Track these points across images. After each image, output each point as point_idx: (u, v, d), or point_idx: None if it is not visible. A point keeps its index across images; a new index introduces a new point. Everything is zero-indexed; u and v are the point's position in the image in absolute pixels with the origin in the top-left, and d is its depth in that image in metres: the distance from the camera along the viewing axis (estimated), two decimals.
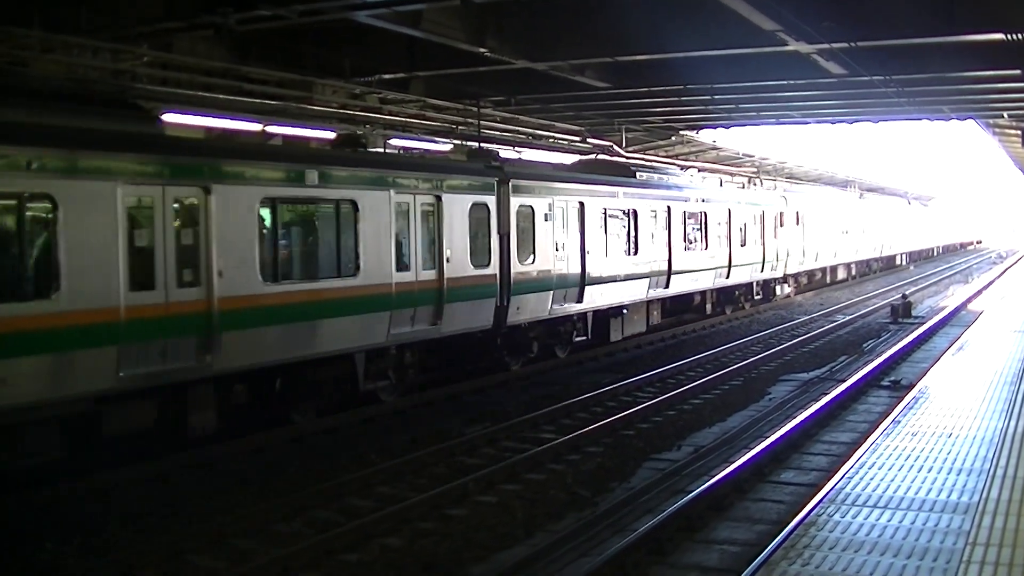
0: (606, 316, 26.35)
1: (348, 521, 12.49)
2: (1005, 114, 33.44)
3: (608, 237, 25.71)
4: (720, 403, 19.96)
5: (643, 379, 22.15)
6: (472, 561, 11.21)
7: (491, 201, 21.22)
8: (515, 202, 21.88)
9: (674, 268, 29.43)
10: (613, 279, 25.73)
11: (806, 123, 36.35)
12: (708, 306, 34.52)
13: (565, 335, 24.93)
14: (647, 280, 27.86)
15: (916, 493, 10.13)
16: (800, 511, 11.56)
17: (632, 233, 27.09)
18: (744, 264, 35.82)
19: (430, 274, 19.32)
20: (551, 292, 23.02)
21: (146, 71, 20.11)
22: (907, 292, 42.99)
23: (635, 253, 27.16)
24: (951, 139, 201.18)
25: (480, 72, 23.13)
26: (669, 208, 29.39)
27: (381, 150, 24.54)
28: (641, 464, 15.37)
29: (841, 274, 54.51)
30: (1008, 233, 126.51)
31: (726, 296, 36.39)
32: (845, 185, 66.71)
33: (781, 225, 40.19)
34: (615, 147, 35.33)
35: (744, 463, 14.37)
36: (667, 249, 29.14)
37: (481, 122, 28.18)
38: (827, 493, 10.48)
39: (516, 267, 21.63)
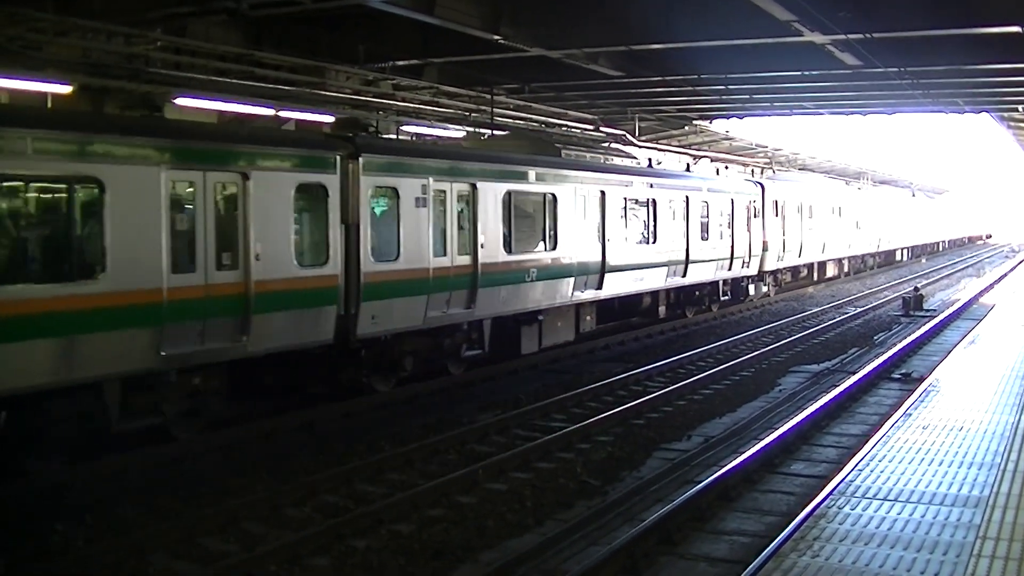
0: (516, 323, 21.91)
1: (358, 507, 12.52)
2: (1020, 107, 33.34)
3: (514, 228, 21.29)
4: (730, 394, 19.95)
5: (653, 368, 22.15)
6: (482, 548, 11.23)
7: (330, 182, 16.76)
8: (369, 183, 17.48)
9: (610, 264, 24.83)
10: (521, 279, 21.40)
11: (820, 114, 36.27)
12: (661, 308, 29.53)
13: (451, 348, 20.32)
14: (571, 280, 23.31)
15: (926, 486, 10.14)
16: (810, 503, 11.59)
17: (550, 223, 22.65)
18: (706, 260, 30.97)
19: (230, 276, 14.92)
20: (426, 296, 18.56)
21: (159, 55, 20.14)
22: (919, 285, 42.90)
23: (554, 247, 22.64)
24: (964, 132, 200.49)
25: (494, 59, 23.11)
26: (604, 193, 24.68)
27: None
28: (651, 454, 15.37)
29: (831, 271, 49.93)
30: (1019, 227, 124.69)
31: (686, 297, 31.66)
32: (859, 176, 66.50)
33: (755, 216, 35.32)
34: (628, 136, 35.27)
35: (754, 454, 14.35)
36: (600, 242, 24.52)
37: (494, 109, 28.15)
38: (837, 485, 10.50)
39: (370, 266, 17.28)
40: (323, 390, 18.17)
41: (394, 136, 26.14)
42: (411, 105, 26.86)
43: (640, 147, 35.76)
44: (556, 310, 23.27)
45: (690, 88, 28.24)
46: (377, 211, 18.12)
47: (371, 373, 18.63)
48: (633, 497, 13.03)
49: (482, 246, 20.03)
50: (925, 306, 36.12)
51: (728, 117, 37.93)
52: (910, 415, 13.64)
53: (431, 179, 18.86)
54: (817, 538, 8.55)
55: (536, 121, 32.61)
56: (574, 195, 23.53)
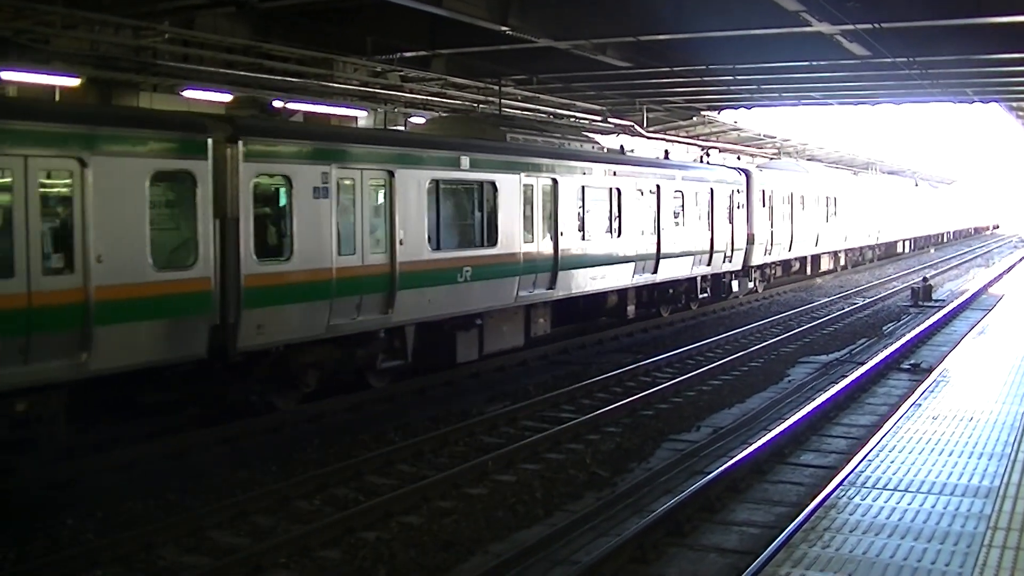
0: (450, 328, 19.49)
1: (368, 499, 12.54)
2: None
3: (443, 221, 18.98)
4: (739, 384, 19.95)
5: (662, 359, 22.15)
6: (491, 540, 11.25)
7: (200, 169, 14.23)
8: (252, 171, 15.00)
9: (564, 261, 22.29)
10: (452, 279, 18.93)
11: (828, 104, 36.08)
12: (630, 308, 26.85)
13: (366, 359, 17.84)
14: (516, 279, 20.76)
15: (936, 477, 10.13)
16: (820, 493, 11.58)
17: (489, 215, 20.28)
18: (680, 254, 28.40)
19: (64, 283, 12.56)
20: (328, 301, 16.20)
21: (167, 48, 20.16)
22: (928, 275, 42.82)
23: (493, 242, 20.20)
24: (972, 123, 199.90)
25: (502, 50, 23.04)
26: (556, 182, 22.21)
27: None
28: (660, 444, 15.39)
29: (826, 264, 46.97)
30: None
31: (660, 294, 29.12)
32: (866, 167, 66.37)
33: (739, 206, 32.93)
34: (636, 127, 35.21)
35: (763, 445, 14.36)
36: (552, 236, 22.03)
37: (502, 101, 28.12)
38: (847, 476, 10.50)
39: (252, 267, 14.85)
40: (209, 410, 15.94)
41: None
42: (419, 96, 26.83)
43: (649, 138, 35.67)
44: (500, 313, 20.68)
45: (698, 79, 28.14)
46: (263, 203, 15.60)
47: (268, 390, 16.42)
48: (642, 488, 13.04)
49: (401, 243, 17.55)
50: (934, 296, 36.06)
51: (736, 107, 37.78)
52: (919, 405, 13.62)
53: (334, 166, 16.36)
54: (827, 529, 8.55)
55: (545, 112, 32.57)
56: (519, 184, 20.99)
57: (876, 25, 18.88)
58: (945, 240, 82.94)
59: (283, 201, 15.86)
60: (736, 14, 19.87)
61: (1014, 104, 36.77)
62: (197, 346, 14.22)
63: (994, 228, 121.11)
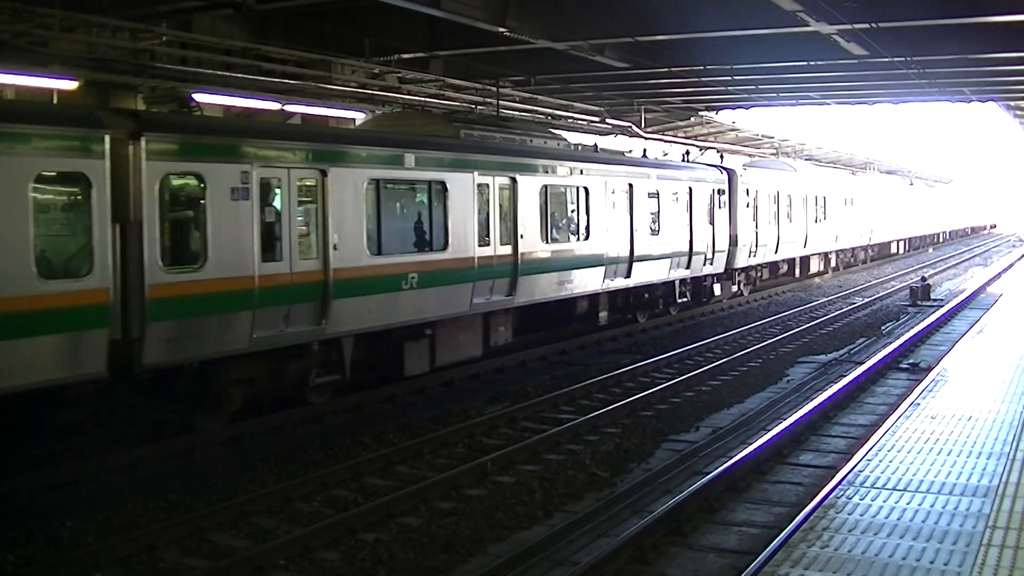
0: (399, 339, 18.20)
1: (368, 500, 12.55)
2: None
3: (385, 224, 17.70)
4: (738, 384, 19.96)
5: (661, 360, 22.16)
6: (491, 541, 11.27)
7: (95, 169, 12.91)
8: (158, 170, 13.65)
9: (525, 265, 20.92)
10: (396, 286, 17.58)
11: (826, 104, 36.13)
12: (602, 314, 25.48)
13: (298, 374, 16.54)
14: (471, 285, 19.47)
15: (935, 476, 10.15)
16: (819, 493, 11.60)
17: (438, 217, 18.93)
18: (656, 257, 26.98)
19: None
20: (251, 312, 14.85)
21: (165, 50, 20.16)
22: (926, 275, 42.84)
23: (444, 246, 18.85)
24: (971, 122, 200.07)
25: (500, 52, 23.06)
26: (515, 181, 20.79)
27: None
28: (659, 445, 15.40)
29: (815, 266, 45.30)
30: None
31: (636, 299, 27.66)
32: (865, 166, 66.38)
33: (721, 206, 31.42)
34: (634, 128, 35.24)
35: (762, 445, 14.36)
36: (511, 239, 20.65)
37: (500, 102, 28.13)
38: (846, 475, 10.51)
39: (158, 276, 13.52)
40: (117, 431, 14.61)
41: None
42: (416, 98, 26.85)
43: (647, 138, 35.66)
44: (453, 322, 19.39)
45: (696, 79, 28.17)
46: (172, 206, 14.28)
47: (187, 409, 15.16)
48: (642, 488, 13.06)
49: (336, 248, 16.24)
50: (932, 296, 36.07)
51: (734, 108, 37.85)
52: (918, 405, 13.64)
53: (256, 165, 15.01)
54: (827, 528, 8.57)
55: (542, 113, 32.59)
56: (472, 183, 19.62)
57: (874, 25, 18.92)
58: (941, 240, 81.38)
59: (196, 203, 14.48)
60: (734, 14, 19.89)
61: (1012, 103, 36.82)
62: (94, 364, 12.89)
63: (991, 227, 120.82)
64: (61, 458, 13.68)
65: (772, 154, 48.87)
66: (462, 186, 19.39)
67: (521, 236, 20.89)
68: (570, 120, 34.20)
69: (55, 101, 18.42)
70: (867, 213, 51.92)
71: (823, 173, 51.07)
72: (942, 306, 32.49)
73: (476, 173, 19.79)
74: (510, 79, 27.83)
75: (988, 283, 41.73)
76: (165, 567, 10.57)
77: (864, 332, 27.47)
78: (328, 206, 16.21)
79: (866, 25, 19.00)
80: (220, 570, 10.23)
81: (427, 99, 27.20)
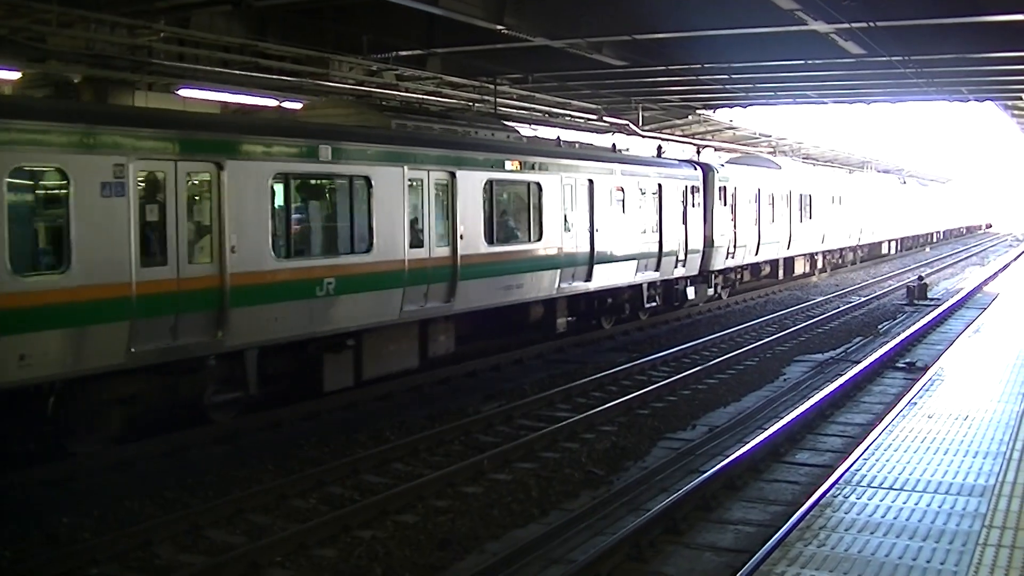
0: (318, 351, 16.55)
1: (364, 497, 12.54)
2: None
3: (295, 223, 16.19)
4: (735, 383, 19.95)
5: (658, 358, 22.15)
6: (487, 538, 11.25)
7: None
8: (6, 162, 12.11)
9: (464, 269, 19.21)
10: (309, 292, 15.89)
11: (823, 103, 36.19)
12: (560, 321, 23.71)
13: (191, 392, 14.79)
14: (399, 291, 17.68)
15: (932, 475, 10.15)
16: (816, 492, 11.58)
17: (360, 216, 17.17)
18: (621, 258, 25.25)
19: None
20: (127, 322, 13.14)
21: (163, 47, 20.15)
22: (923, 274, 42.88)
23: (367, 248, 17.14)
24: (968, 121, 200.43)
25: (497, 49, 23.07)
26: (454, 176, 19.11)
27: None
28: (656, 443, 15.39)
29: (800, 267, 43.29)
30: (1022, 216, 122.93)
31: (600, 304, 25.96)
32: (862, 166, 66.40)
33: (694, 205, 29.75)
34: (632, 125, 35.24)
35: (759, 443, 14.36)
36: (449, 240, 19.02)
37: (497, 99, 28.12)
38: (842, 474, 10.52)
39: (8, 282, 11.88)
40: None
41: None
42: (414, 96, 26.85)
43: (644, 136, 35.66)
44: (383, 331, 17.70)
45: (693, 77, 28.19)
46: (27, 203, 12.67)
47: (56, 432, 13.30)
48: (638, 487, 13.05)
49: (233, 250, 14.51)
50: (929, 295, 36.10)
51: (732, 106, 37.89)
52: (915, 404, 13.65)
53: (133, 158, 13.25)
54: (823, 527, 8.56)
55: (540, 111, 32.59)
56: (402, 179, 17.82)
57: (871, 24, 18.94)
58: (934, 240, 79.98)
59: (57, 201, 12.77)
60: (732, 13, 19.91)
61: (1009, 103, 36.84)
62: None
63: (987, 227, 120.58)
64: (56, 455, 13.48)
65: (769, 153, 48.66)
66: (390, 181, 17.58)
67: (461, 237, 19.18)
68: (567, 118, 34.18)
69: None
70: (856, 212, 50.41)
71: (809, 170, 48.98)
72: (939, 305, 32.51)
73: (407, 167, 17.97)
74: (508, 77, 27.83)
75: (985, 282, 41.79)
76: (161, 563, 10.55)
77: (861, 331, 27.48)
78: (224, 204, 14.40)
79: (864, 24, 19.01)
80: (216, 566, 10.21)
81: (424, 96, 27.20)
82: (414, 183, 18.23)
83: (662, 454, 14.72)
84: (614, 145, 29.99)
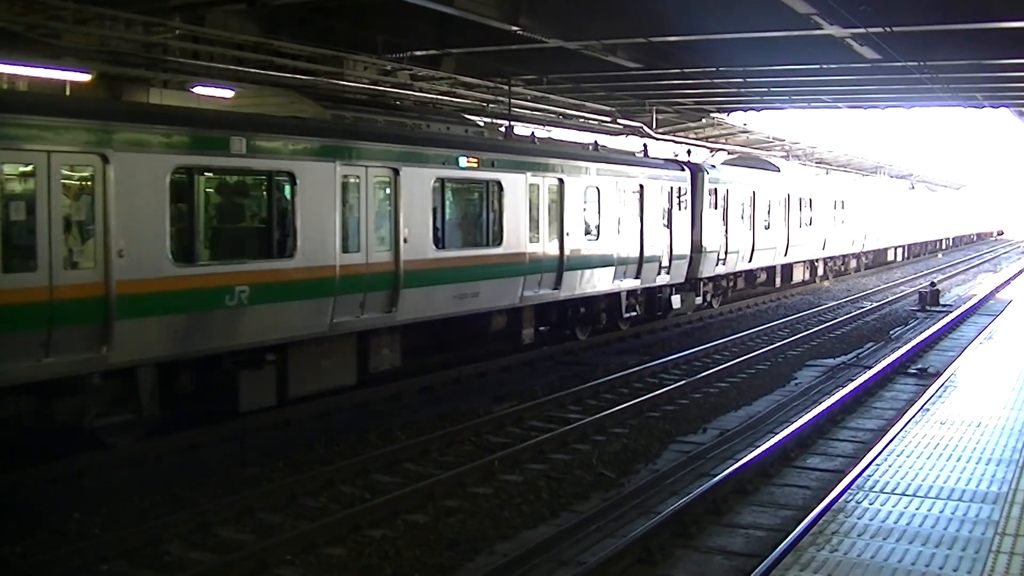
0: (234, 366, 14.92)
1: (374, 497, 12.54)
2: None
3: (202, 226, 14.51)
4: (746, 387, 19.92)
5: (669, 361, 22.13)
6: (497, 539, 11.25)
7: None
8: None
9: (409, 277, 17.52)
10: (218, 302, 14.22)
11: (837, 107, 36.07)
12: (526, 332, 21.92)
13: (71, 414, 13.19)
14: (331, 301, 16.05)
15: (944, 482, 10.10)
16: (827, 497, 11.58)
17: (281, 217, 15.59)
18: (595, 264, 23.69)
19: None
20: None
21: (178, 44, 20.17)
22: (935, 280, 42.79)
23: (289, 252, 15.43)
24: (982, 127, 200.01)
25: (512, 50, 23.02)
26: (397, 173, 17.36)
27: None
28: (666, 446, 15.38)
29: (799, 275, 41.30)
30: None
31: (574, 313, 24.12)
32: (875, 170, 66.21)
33: (681, 208, 28.02)
34: (645, 128, 35.19)
35: (770, 447, 14.34)
36: (391, 244, 17.34)
37: (511, 100, 28.10)
38: (854, 479, 10.50)
39: None
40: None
41: None
42: (428, 96, 26.84)
43: (657, 139, 35.60)
44: (312, 344, 16.05)
45: (708, 80, 28.11)
46: None
47: None
48: (649, 489, 13.04)
49: (121, 255, 12.87)
50: (941, 301, 35.99)
51: (746, 110, 37.81)
52: (927, 410, 13.59)
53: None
54: (835, 532, 8.53)
55: (554, 112, 32.55)
56: (334, 176, 16.16)
57: (887, 29, 18.87)
58: (943, 247, 78.13)
59: None
60: (747, 16, 19.84)
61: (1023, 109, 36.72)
62: None
63: (998, 234, 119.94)
64: (66, 452, 13.45)
65: (783, 157, 48.43)
66: (319, 178, 15.89)
67: (404, 240, 17.46)
68: (581, 119, 34.15)
69: (67, 93, 18.44)
70: (860, 218, 48.55)
71: (809, 173, 46.78)
72: (951, 312, 32.44)
73: (340, 163, 16.28)
74: (522, 78, 27.79)
75: (997, 289, 41.68)
76: (170, 561, 10.56)
77: (873, 336, 27.42)
78: (109, 202, 12.80)
79: (879, 29, 18.94)
80: (225, 564, 10.22)
81: (438, 96, 27.18)
82: (349, 181, 16.55)
83: (673, 457, 14.70)
84: (595, 143, 28.28)
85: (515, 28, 19.91)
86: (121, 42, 19.05)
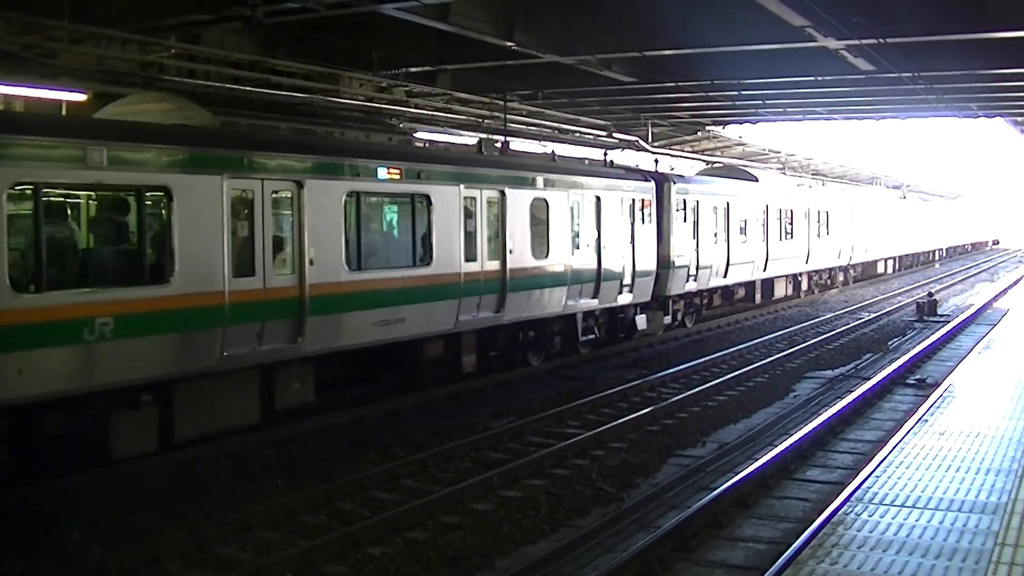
0: (104, 408, 13.00)
1: (373, 514, 12.53)
2: None
3: (45, 245, 12.20)
4: (745, 400, 19.92)
5: (667, 375, 22.12)
6: (497, 555, 11.24)
7: None
8: None
9: (317, 302, 15.57)
10: (75, 337, 12.37)
11: (832, 119, 36.16)
12: (466, 359, 20.03)
13: None
14: (220, 332, 14.14)
15: (944, 493, 10.10)
16: (827, 509, 11.57)
17: (153, 239, 13.55)
18: (545, 285, 21.62)
19: None
20: None
21: (174, 63, 20.21)
22: (933, 290, 42.78)
23: (162, 278, 13.45)
24: (977, 137, 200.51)
25: (507, 65, 23.06)
26: (301, 186, 15.48)
27: None
28: (666, 460, 15.37)
29: (781, 290, 38.92)
30: None
31: (523, 337, 21.94)
32: (871, 181, 66.26)
33: (645, 221, 25.73)
34: (641, 142, 35.25)
35: (769, 460, 14.33)
36: (296, 267, 15.41)
37: (507, 116, 28.14)
38: (854, 491, 10.48)
39: None
40: None
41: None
42: (424, 112, 26.88)
43: (653, 152, 35.64)
44: (199, 381, 14.16)
45: (703, 93, 28.18)
46: None
47: None
48: (649, 504, 13.02)
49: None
50: (939, 311, 36.00)
51: (741, 122, 37.89)
52: (926, 421, 13.58)
53: None
54: (835, 545, 8.52)
55: (549, 127, 32.60)
56: (219, 190, 14.18)
57: (881, 40, 18.93)
58: (937, 258, 75.67)
59: None
60: (742, 30, 19.92)
61: (1019, 119, 36.81)
62: None
63: (993, 244, 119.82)
64: (65, 469, 13.41)
65: (779, 169, 48.39)
66: (202, 194, 13.96)
67: (311, 262, 15.56)
68: (577, 134, 34.21)
69: (64, 113, 18.44)
70: (846, 229, 46.48)
71: (791, 183, 44.03)
72: (949, 322, 32.45)
73: (228, 176, 14.36)
74: (517, 93, 27.85)
75: (995, 299, 41.70)
76: None
77: (871, 347, 27.41)
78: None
79: (874, 41, 19.00)
80: None
81: (435, 112, 27.23)
82: (239, 197, 14.65)
83: (672, 471, 14.69)
84: (553, 152, 26.56)
85: (510, 44, 19.98)
86: (117, 61, 19.07)
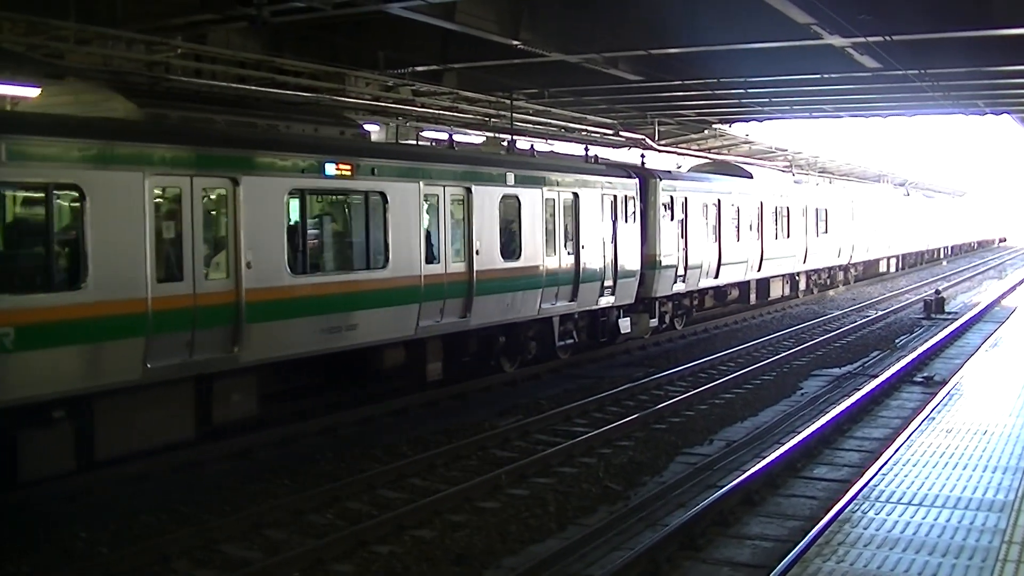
0: (10, 426, 11.84)
1: (380, 513, 12.53)
2: None
3: None
4: (752, 398, 19.90)
5: (674, 373, 22.11)
6: (504, 554, 11.23)
7: None
8: None
9: (255, 308, 14.59)
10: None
11: (839, 117, 36.08)
12: (432, 367, 18.85)
13: None
14: (142, 342, 13.08)
15: (951, 491, 10.09)
16: (834, 507, 11.54)
17: (63, 241, 12.57)
18: (517, 288, 20.60)
19: None
20: None
21: (180, 63, 20.23)
22: (940, 288, 42.72)
23: (71, 285, 12.40)
24: (983, 134, 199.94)
25: (513, 64, 23.06)
26: (237, 184, 14.45)
27: None
28: (673, 458, 15.35)
29: (777, 290, 37.55)
30: None
31: (493, 344, 20.78)
32: (878, 179, 66.14)
33: (629, 220, 24.85)
34: (648, 140, 35.23)
35: (776, 458, 14.31)
36: (233, 272, 14.42)
37: (513, 114, 28.14)
38: (861, 489, 10.47)
39: None
40: None
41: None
42: (430, 111, 26.90)
43: (660, 151, 35.62)
44: (124, 395, 13.05)
45: (709, 92, 28.15)
46: None
47: None
48: (655, 502, 13.01)
49: None
50: (947, 309, 35.95)
51: (747, 121, 37.84)
52: (933, 419, 13.58)
53: None
54: (842, 543, 8.52)
55: (555, 126, 32.60)
56: (140, 188, 13.06)
57: (887, 37, 18.89)
58: (941, 256, 74.04)
59: None
60: (747, 28, 19.89)
61: None
62: None
63: (1000, 241, 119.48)
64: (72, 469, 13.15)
65: (785, 167, 48.28)
66: (120, 192, 12.90)
67: (248, 265, 14.53)
68: (583, 132, 34.20)
69: None
70: (846, 227, 45.43)
71: (787, 180, 41.96)
72: (956, 319, 32.39)
73: (150, 173, 13.25)
74: (524, 92, 27.84)
75: (1003, 296, 41.62)
76: None
77: (878, 345, 27.39)
78: None
79: (880, 38, 18.97)
80: None
81: (440, 111, 27.24)
82: (163, 195, 13.66)
83: (679, 469, 14.68)
84: (532, 146, 25.76)
85: (516, 42, 19.97)
86: (123, 61, 19.10)
